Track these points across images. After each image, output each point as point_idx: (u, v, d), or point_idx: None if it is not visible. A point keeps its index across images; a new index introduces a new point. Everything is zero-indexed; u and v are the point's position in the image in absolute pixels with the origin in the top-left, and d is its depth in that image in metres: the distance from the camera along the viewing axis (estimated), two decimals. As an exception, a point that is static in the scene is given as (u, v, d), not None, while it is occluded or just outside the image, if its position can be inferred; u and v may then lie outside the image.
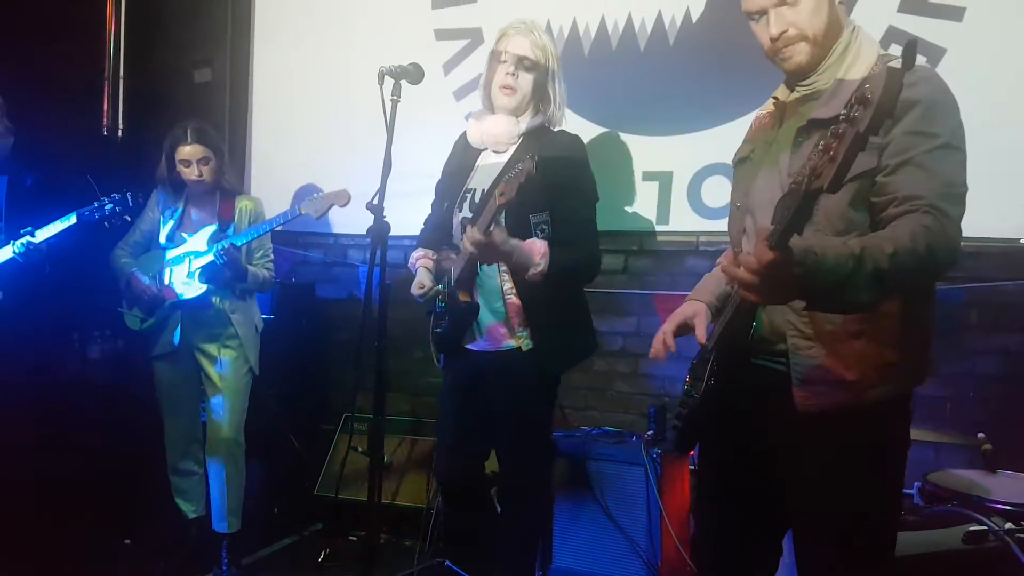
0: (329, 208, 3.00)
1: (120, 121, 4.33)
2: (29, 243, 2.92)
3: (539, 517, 2.64)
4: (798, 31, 1.58)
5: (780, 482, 1.66)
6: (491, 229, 2.10)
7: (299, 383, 3.90)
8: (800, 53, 1.61)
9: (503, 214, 2.17)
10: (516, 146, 2.44)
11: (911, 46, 1.17)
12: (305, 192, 3.68)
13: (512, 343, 2.39)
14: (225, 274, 3.06)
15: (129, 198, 2.94)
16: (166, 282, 3.13)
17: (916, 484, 2.42)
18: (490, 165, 2.46)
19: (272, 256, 3.29)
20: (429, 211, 2.72)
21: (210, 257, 3.02)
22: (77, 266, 3.19)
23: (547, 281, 2.27)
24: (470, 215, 2.43)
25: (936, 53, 2.94)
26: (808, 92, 1.66)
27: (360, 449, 3.49)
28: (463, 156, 2.56)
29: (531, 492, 2.53)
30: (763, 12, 1.61)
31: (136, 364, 3.37)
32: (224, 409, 3.12)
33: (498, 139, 2.45)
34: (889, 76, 1.10)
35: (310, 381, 4.00)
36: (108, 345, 3.76)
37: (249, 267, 3.13)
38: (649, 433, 3.07)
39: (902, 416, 1.61)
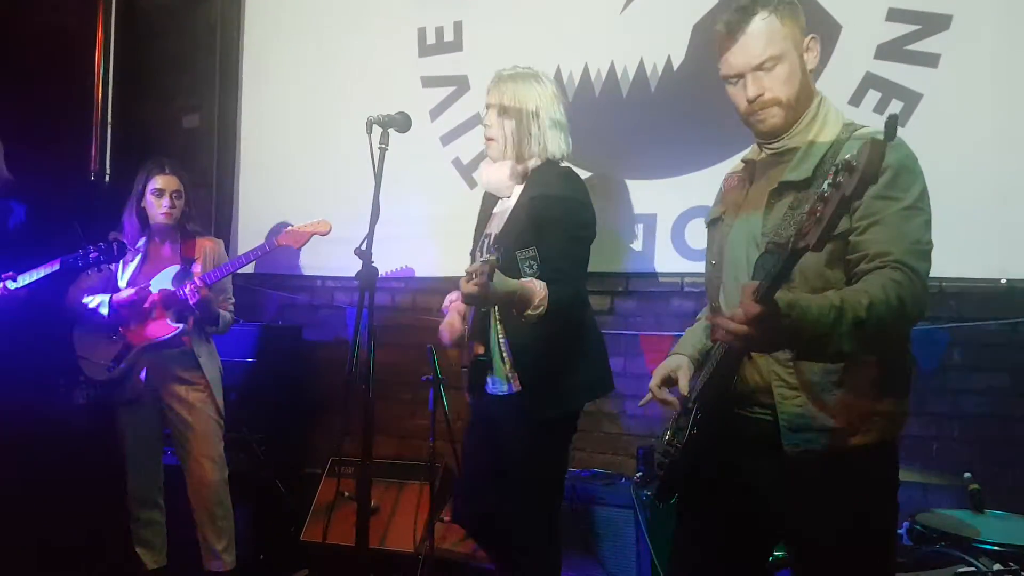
0: (310, 238, 3.00)
1: (108, 166, 4.36)
2: (6, 288, 2.91)
3: (542, 571, 2.46)
4: (773, 95, 1.67)
5: (766, 531, 1.71)
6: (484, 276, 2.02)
7: (285, 426, 3.88)
8: (774, 116, 1.69)
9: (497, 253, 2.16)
10: (521, 187, 2.45)
11: (892, 120, 1.25)
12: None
13: (517, 387, 2.36)
14: (195, 314, 3.07)
15: (115, 247, 2.92)
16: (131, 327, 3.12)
17: (905, 524, 2.42)
18: (503, 211, 2.50)
19: (233, 298, 3.31)
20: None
21: (179, 296, 3.03)
22: (59, 311, 3.18)
23: (537, 321, 2.22)
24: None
25: (912, 99, 3.01)
26: (777, 154, 1.74)
27: (347, 494, 3.45)
28: (486, 203, 2.61)
29: (532, 544, 2.40)
30: (740, 76, 1.69)
31: (100, 411, 3.34)
32: (202, 452, 3.11)
33: (497, 187, 2.49)
34: (873, 147, 1.18)
35: (296, 424, 3.97)
36: (83, 392, 3.69)
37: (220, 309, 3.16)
38: (638, 475, 3.06)
39: (888, 461, 1.67)
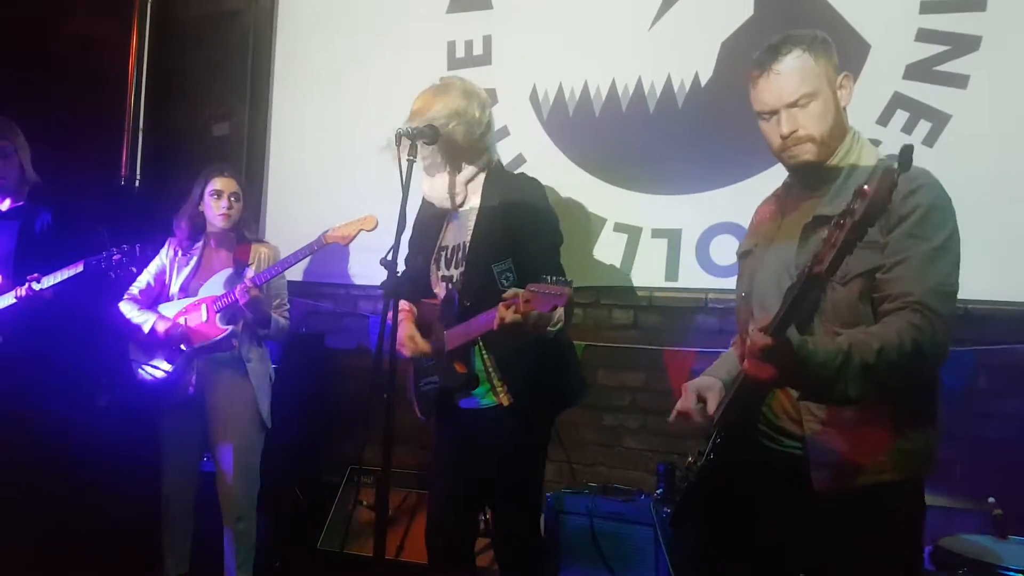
0: (358, 234, 2.98)
1: (138, 171, 4.41)
2: (31, 288, 2.94)
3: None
4: (807, 132, 1.68)
5: (789, 563, 1.71)
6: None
7: (305, 434, 3.87)
8: (807, 152, 1.70)
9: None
10: (479, 195, 2.42)
11: (907, 150, 1.27)
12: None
13: (494, 400, 2.36)
14: (246, 315, 3.04)
15: (137, 250, 2.93)
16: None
17: (927, 549, 2.38)
18: (460, 220, 2.46)
19: (288, 304, 3.27)
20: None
21: (229, 299, 3.01)
22: (82, 313, 3.19)
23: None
24: (448, 272, 2.44)
25: (941, 119, 3.00)
26: (810, 188, 1.76)
27: (365, 503, 3.45)
28: (433, 211, 2.54)
29: (528, 551, 2.45)
30: (774, 112, 1.71)
31: (124, 413, 3.35)
32: (236, 464, 3.06)
33: (442, 199, 2.45)
34: (884, 174, 1.23)
35: (316, 432, 3.97)
36: (106, 394, 3.70)
37: (272, 313, 3.12)
38: (658, 491, 3.03)
39: (916, 498, 1.67)
